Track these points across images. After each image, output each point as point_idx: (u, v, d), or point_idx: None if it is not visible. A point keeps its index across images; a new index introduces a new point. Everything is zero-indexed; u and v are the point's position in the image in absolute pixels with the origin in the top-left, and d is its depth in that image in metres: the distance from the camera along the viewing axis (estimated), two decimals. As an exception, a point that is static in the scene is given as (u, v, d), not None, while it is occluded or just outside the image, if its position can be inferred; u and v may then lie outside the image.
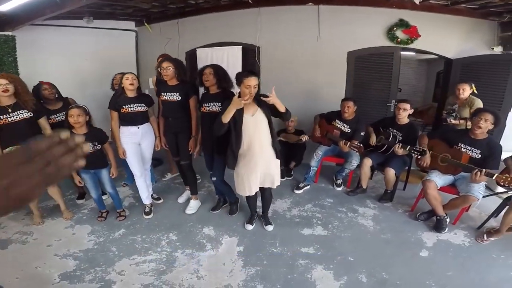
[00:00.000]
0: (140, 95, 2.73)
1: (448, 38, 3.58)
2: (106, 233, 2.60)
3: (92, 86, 3.08)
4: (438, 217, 2.68)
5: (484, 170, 2.36)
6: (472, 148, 2.58)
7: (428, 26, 3.55)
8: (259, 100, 2.30)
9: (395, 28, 3.57)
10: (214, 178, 2.80)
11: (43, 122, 2.53)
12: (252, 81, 2.19)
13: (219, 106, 2.54)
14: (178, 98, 2.67)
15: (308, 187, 3.52)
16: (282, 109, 2.29)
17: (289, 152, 3.84)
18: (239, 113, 2.30)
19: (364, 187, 3.35)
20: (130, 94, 2.64)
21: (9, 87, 2.30)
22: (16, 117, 2.34)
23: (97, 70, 3.06)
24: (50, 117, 2.73)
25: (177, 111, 2.71)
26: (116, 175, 2.72)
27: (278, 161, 2.49)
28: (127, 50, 4.57)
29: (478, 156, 2.55)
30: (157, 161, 3.92)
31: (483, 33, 3.50)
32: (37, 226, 2.65)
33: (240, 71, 3.99)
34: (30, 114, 2.42)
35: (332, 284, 2.07)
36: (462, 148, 2.63)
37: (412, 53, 5.94)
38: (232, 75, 3.78)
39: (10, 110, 2.33)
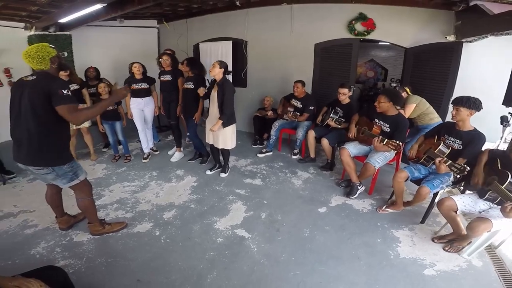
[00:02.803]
0: (144, 77, 3.60)
1: (405, 28, 3.61)
2: (113, 169, 3.56)
3: (124, 71, 4.07)
4: (351, 184, 2.96)
5: (380, 137, 2.63)
6: (384, 123, 2.82)
7: (385, 18, 3.66)
8: (219, 86, 2.94)
9: (353, 22, 3.75)
10: (188, 133, 3.66)
11: (84, 91, 3.58)
12: (213, 63, 2.94)
13: (191, 84, 3.30)
14: (170, 79, 3.53)
15: (270, 153, 4.04)
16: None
17: (263, 125, 4.40)
18: (211, 89, 3.07)
19: (312, 156, 3.74)
20: (137, 76, 3.54)
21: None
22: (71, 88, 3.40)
23: (127, 59, 3.98)
24: (90, 89, 3.76)
25: (170, 88, 3.57)
26: (125, 125, 3.71)
27: (225, 129, 3.07)
28: (151, 43, 5.51)
29: (387, 129, 2.79)
30: (165, 127, 4.87)
31: (440, 23, 3.44)
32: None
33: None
34: (78, 86, 3.48)
35: (240, 214, 2.64)
36: (377, 123, 2.88)
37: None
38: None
39: None
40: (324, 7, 3.90)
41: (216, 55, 4.72)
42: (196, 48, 5.11)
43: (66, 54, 3.90)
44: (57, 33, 4.10)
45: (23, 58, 1.79)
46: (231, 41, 4.68)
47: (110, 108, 3.52)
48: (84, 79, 3.95)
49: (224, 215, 2.61)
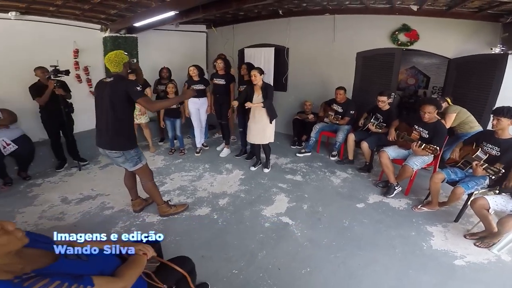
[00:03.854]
0: (201, 79, 4.19)
1: (449, 39, 3.83)
2: (170, 160, 4.22)
3: (176, 72, 4.73)
4: (389, 184, 3.28)
5: (419, 142, 2.96)
6: (423, 130, 3.13)
7: (429, 29, 3.90)
8: (263, 89, 3.48)
9: (396, 32, 4.05)
10: (241, 129, 4.20)
11: (148, 90, 4.26)
12: (252, 72, 3.43)
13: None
14: (223, 82, 4.11)
15: (309, 154, 4.45)
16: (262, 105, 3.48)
17: (303, 128, 4.84)
18: (251, 93, 3.57)
19: (350, 158, 4.09)
20: (195, 78, 4.13)
21: None
22: None
23: (180, 61, 4.63)
24: (160, 86, 4.47)
25: (222, 91, 4.14)
26: (184, 121, 4.36)
27: (271, 125, 3.61)
28: (200, 47, 6.16)
29: (426, 136, 3.10)
30: (212, 126, 5.51)
31: (486, 34, 3.62)
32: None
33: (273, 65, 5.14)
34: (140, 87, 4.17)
35: (284, 204, 3.09)
36: (416, 129, 3.19)
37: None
38: (266, 69, 5.00)
39: None
40: (367, 17, 4.23)
41: (259, 61, 5.24)
42: (241, 53, 5.69)
43: (135, 60, 4.64)
44: (126, 35, 4.77)
45: (105, 62, 2.37)
46: (273, 48, 5.19)
47: (174, 106, 4.18)
48: (157, 78, 4.76)
49: (269, 204, 3.08)
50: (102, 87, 2.36)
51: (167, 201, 2.92)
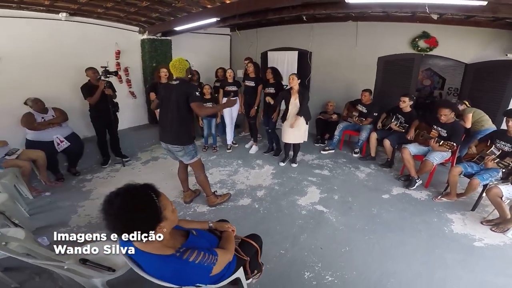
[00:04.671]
0: (234, 81, 4.67)
1: (467, 46, 4.20)
2: (206, 157, 4.66)
3: (204, 73, 5.10)
4: (410, 177, 3.71)
5: (436, 139, 3.39)
6: (441, 129, 3.55)
7: (448, 36, 4.28)
8: (300, 93, 3.90)
9: (417, 39, 4.44)
10: (267, 128, 4.61)
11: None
12: (290, 76, 3.88)
13: (273, 89, 4.30)
14: (253, 84, 4.52)
15: (332, 151, 4.88)
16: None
17: (325, 127, 5.27)
18: (288, 96, 3.99)
19: (373, 155, 4.52)
20: (230, 80, 4.61)
21: (167, 73, 4.40)
22: None
23: (206, 63, 5.00)
24: None
25: (251, 92, 4.56)
26: (218, 122, 4.80)
27: (306, 126, 4.04)
28: (224, 49, 6.56)
29: (444, 134, 3.52)
30: (237, 126, 5.95)
31: (503, 41, 3.96)
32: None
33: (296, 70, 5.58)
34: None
35: (316, 195, 3.52)
36: (435, 128, 3.62)
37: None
38: (290, 71, 5.40)
39: None
40: (389, 25, 4.63)
41: (282, 63, 5.68)
42: (264, 55, 6.13)
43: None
44: (162, 38, 5.12)
45: (170, 67, 2.74)
46: (297, 51, 5.62)
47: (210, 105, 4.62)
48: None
49: (303, 195, 3.51)
50: (168, 89, 2.77)
51: (214, 191, 3.32)
